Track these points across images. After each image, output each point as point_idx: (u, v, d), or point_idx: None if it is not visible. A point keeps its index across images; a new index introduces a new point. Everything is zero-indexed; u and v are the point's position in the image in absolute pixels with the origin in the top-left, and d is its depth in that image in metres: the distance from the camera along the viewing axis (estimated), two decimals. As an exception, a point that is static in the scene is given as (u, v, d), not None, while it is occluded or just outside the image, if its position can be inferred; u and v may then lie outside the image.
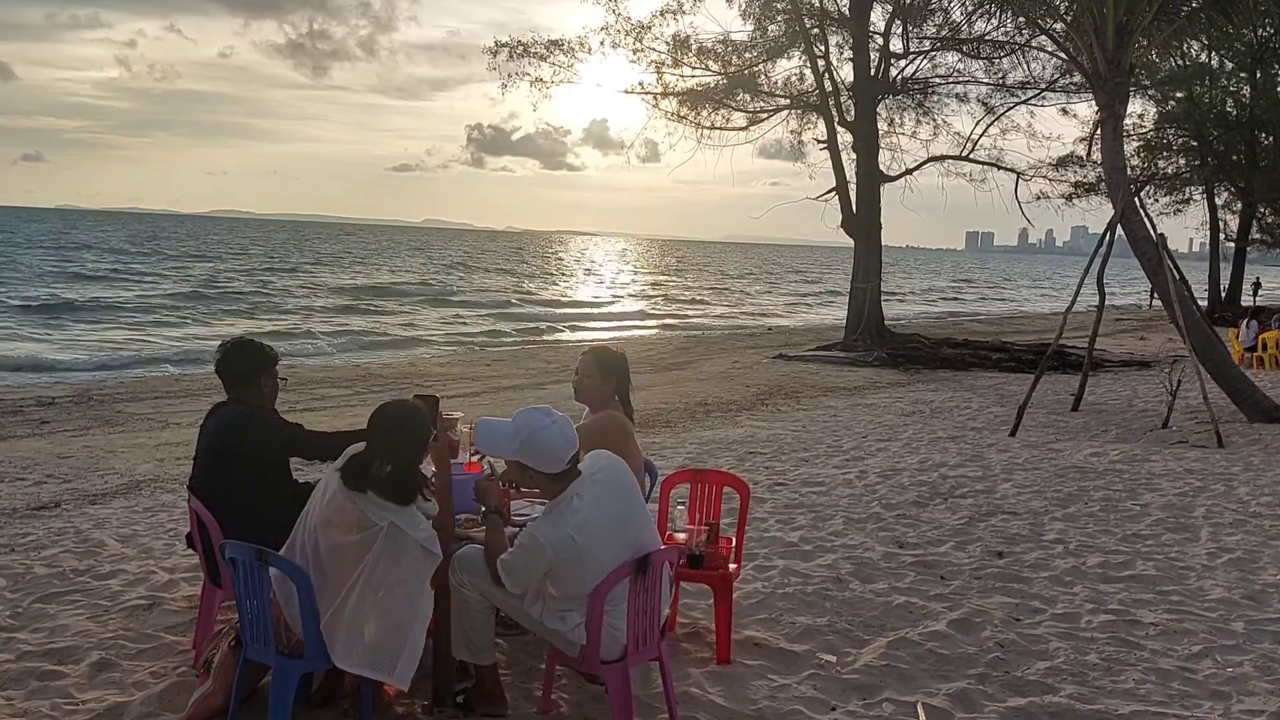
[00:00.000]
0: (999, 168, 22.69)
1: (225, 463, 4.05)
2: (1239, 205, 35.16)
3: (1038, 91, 21.95)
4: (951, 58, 21.99)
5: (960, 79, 22.23)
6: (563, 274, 69.03)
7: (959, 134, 23.10)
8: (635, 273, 77.21)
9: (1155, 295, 12.32)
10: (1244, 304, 33.94)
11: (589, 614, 3.40)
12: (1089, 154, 23.79)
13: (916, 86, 22.24)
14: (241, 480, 4.01)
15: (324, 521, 3.27)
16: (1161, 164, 33.34)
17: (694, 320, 36.09)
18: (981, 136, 22.38)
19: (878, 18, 21.20)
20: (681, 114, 22.21)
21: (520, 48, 21.39)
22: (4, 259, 49.46)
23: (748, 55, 22.08)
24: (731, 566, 4.42)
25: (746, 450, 9.46)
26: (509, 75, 21.51)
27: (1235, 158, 32.41)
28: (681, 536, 4.23)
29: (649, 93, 22.28)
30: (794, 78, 22.65)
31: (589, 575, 3.38)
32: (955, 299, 58.83)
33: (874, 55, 21.17)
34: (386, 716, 3.66)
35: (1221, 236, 36.15)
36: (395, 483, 3.19)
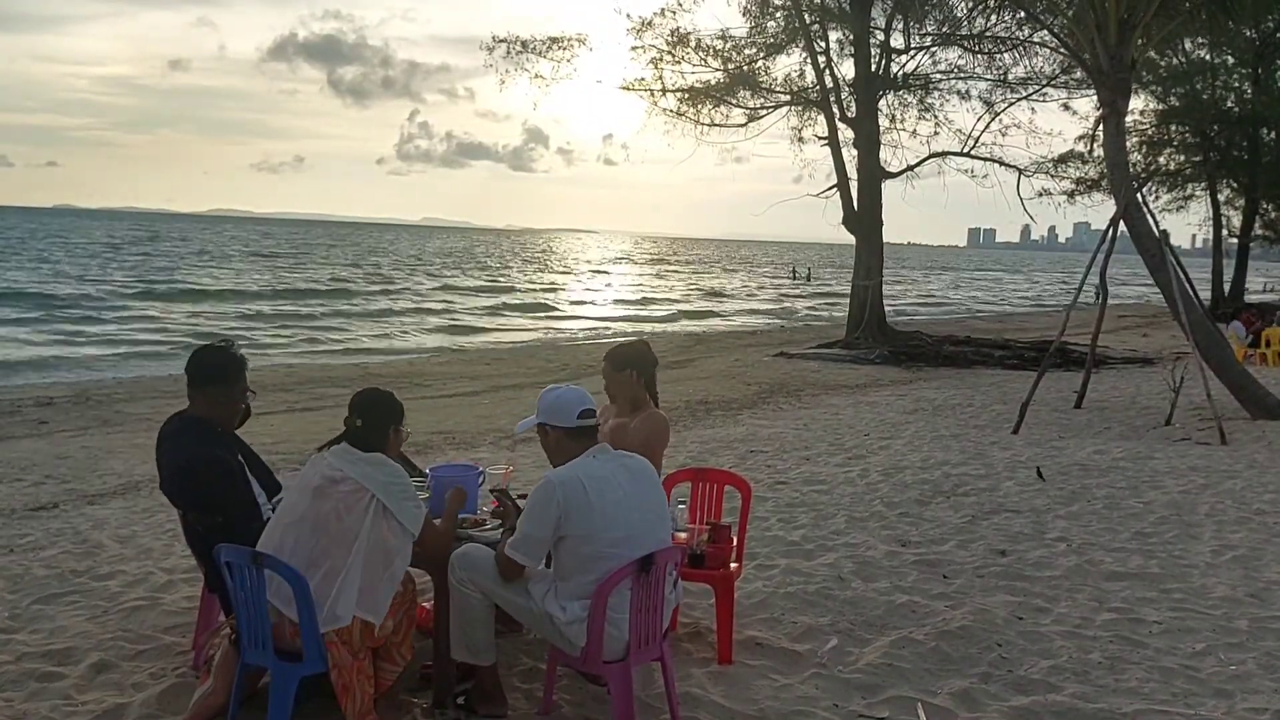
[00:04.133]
0: (1001, 164, 22.67)
1: (184, 503, 3.97)
2: (1241, 201, 35.11)
3: (1039, 87, 21.92)
4: (953, 54, 21.98)
5: (962, 75, 22.23)
6: (564, 271, 68.99)
7: (960, 130, 23.10)
8: (635, 269, 77.12)
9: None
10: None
11: (591, 611, 3.38)
12: (1091, 150, 23.77)
13: (918, 82, 22.19)
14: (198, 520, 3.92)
15: (301, 487, 3.54)
16: (1163, 160, 33.29)
17: (694, 318, 36.03)
18: (983, 133, 22.37)
19: (878, 13, 21.17)
20: (681, 111, 22.18)
21: (519, 44, 21.40)
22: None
23: (748, 51, 22.04)
24: (733, 566, 4.40)
25: (748, 449, 9.43)
26: (506, 72, 21.54)
27: (1237, 154, 32.36)
28: (683, 536, 4.21)
29: (649, 89, 22.26)
30: (794, 74, 22.63)
31: (599, 526, 3.41)
32: (957, 295, 58.72)
33: (875, 51, 21.13)
34: (387, 715, 3.64)
35: (1224, 233, 36.08)
36: (363, 433, 3.61)
